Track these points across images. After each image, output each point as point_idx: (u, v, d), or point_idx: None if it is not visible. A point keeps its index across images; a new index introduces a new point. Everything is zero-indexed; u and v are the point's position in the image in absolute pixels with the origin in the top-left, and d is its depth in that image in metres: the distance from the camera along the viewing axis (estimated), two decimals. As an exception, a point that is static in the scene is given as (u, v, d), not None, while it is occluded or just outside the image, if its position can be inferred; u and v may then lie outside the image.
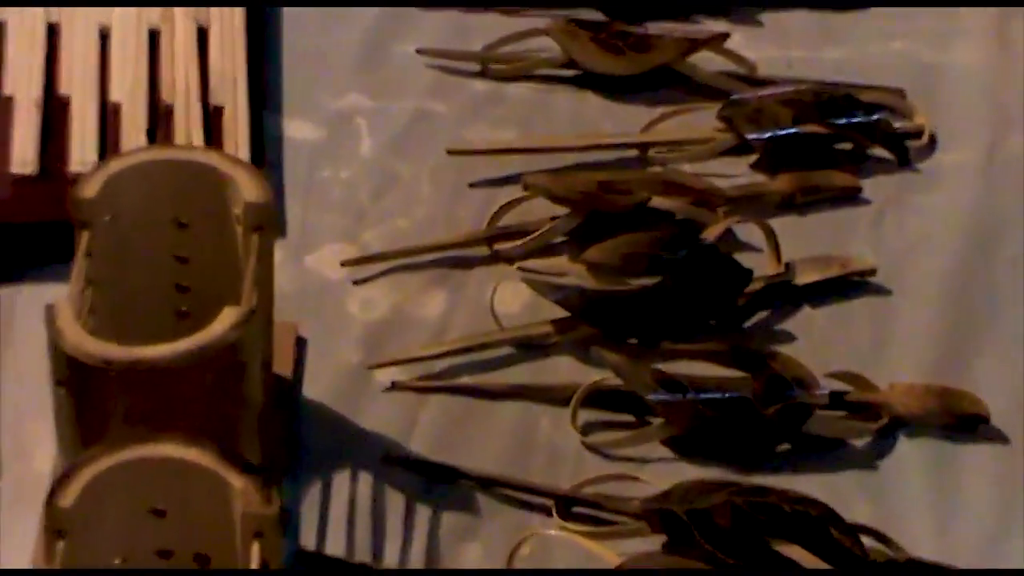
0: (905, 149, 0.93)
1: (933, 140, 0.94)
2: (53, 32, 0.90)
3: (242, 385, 0.69)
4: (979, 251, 0.89)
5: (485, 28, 0.97)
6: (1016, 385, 0.82)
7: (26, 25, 0.90)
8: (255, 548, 0.60)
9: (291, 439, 0.77)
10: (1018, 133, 0.95)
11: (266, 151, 0.89)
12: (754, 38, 0.99)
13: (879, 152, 0.93)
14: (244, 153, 0.86)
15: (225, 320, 0.67)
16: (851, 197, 0.91)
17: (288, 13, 0.97)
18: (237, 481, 0.62)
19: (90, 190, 0.71)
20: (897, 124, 0.94)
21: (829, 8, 1.01)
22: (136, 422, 0.66)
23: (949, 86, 0.97)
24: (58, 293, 0.69)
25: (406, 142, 0.92)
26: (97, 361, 0.65)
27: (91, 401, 0.66)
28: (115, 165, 0.72)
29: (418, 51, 0.96)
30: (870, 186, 0.91)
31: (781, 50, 0.99)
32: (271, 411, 0.73)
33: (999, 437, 0.80)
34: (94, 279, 0.71)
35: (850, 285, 0.86)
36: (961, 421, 0.80)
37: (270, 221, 0.72)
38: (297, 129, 0.91)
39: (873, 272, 0.87)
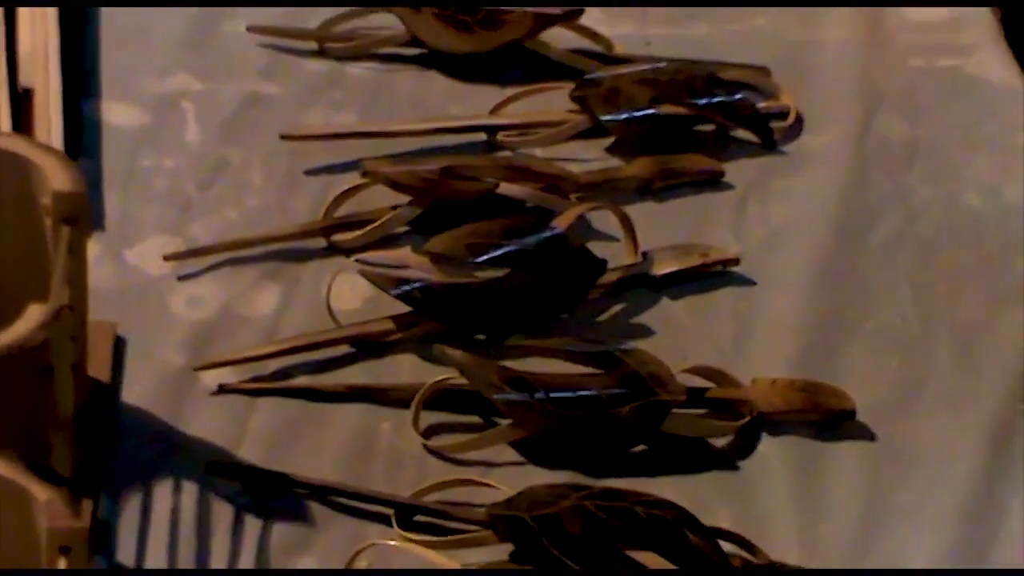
0: (770, 131, 0.95)
1: (799, 121, 0.96)
2: None
3: (50, 389, 0.69)
4: (847, 238, 0.91)
5: (322, 4, 0.98)
6: (883, 378, 0.84)
7: None
8: (61, 564, 0.60)
9: (107, 448, 0.77)
10: (888, 113, 0.97)
11: (83, 137, 0.89)
12: (611, 14, 1.01)
13: (742, 134, 0.95)
14: (57, 139, 0.86)
15: (30, 319, 0.66)
16: (713, 182, 0.93)
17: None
18: (42, 493, 0.62)
19: None
20: (761, 104, 0.96)
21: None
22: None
23: (817, 64, 1.00)
24: None
25: (236, 127, 0.92)
26: None
27: None
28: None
29: (249, 29, 0.97)
30: (733, 170, 0.93)
31: (639, 27, 1.01)
32: (85, 417, 0.73)
33: (865, 433, 0.82)
34: None
35: (711, 275, 0.88)
36: (827, 417, 0.82)
37: (82, 212, 0.71)
38: (117, 114, 0.91)
39: (736, 261, 0.88)
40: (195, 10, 0.97)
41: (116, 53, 0.94)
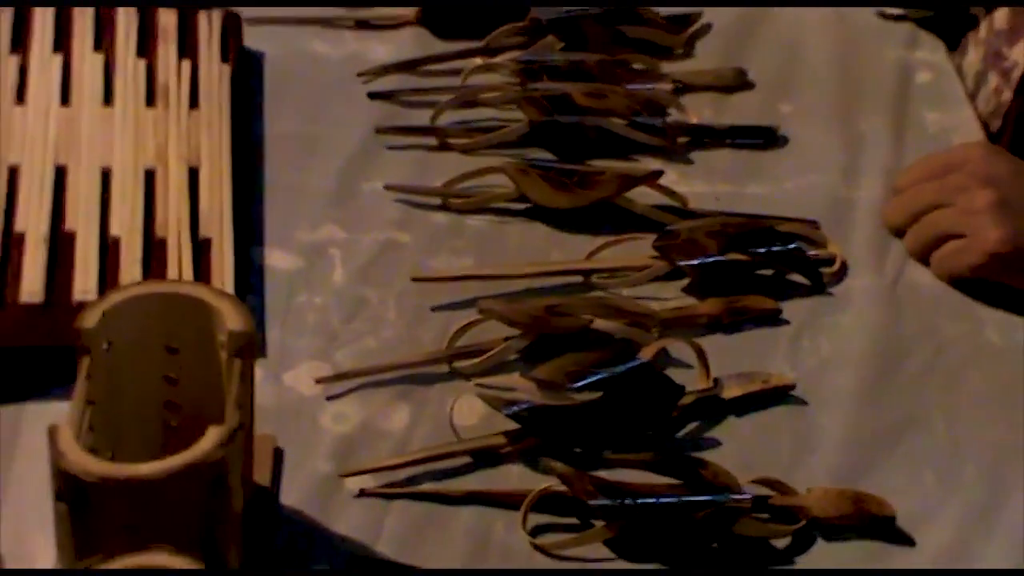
0: (819, 275, 0.94)
1: (844, 267, 0.95)
2: (61, 173, 0.91)
3: (225, 496, 0.69)
4: (885, 367, 0.90)
5: (446, 166, 0.98)
6: (918, 490, 0.83)
7: (36, 168, 0.91)
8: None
9: (269, 543, 0.77)
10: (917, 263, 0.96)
11: (250, 279, 0.90)
12: (685, 175, 1.01)
13: (796, 278, 0.94)
14: (229, 282, 0.87)
15: (209, 439, 0.67)
16: (772, 319, 0.92)
17: (270, 152, 0.98)
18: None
19: (90, 321, 0.71)
20: (811, 252, 0.95)
21: (751, 148, 1.03)
22: (130, 532, 0.67)
23: (858, 217, 0.99)
24: (59, 411, 0.70)
25: (374, 270, 0.92)
26: (95, 479, 0.65)
27: (89, 514, 0.67)
28: (112, 298, 0.73)
29: (386, 187, 0.97)
30: (788, 308, 0.92)
31: (709, 186, 1.00)
32: (250, 517, 0.74)
33: (903, 538, 0.81)
34: (93, 399, 0.71)
35: (771, 398, 0.87)
36: (871, 523, 0.81)
37: (251, 347, 0.72)
38: (277, 259, 0.92)
39: (792, 386, 0.88)
40: (341, 171, 0.98)
41: (278, 208, 0.95)
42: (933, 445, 0.86)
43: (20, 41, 0.98)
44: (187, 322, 0.74)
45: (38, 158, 0.91)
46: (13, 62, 0.97)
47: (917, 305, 0.94)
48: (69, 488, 0.66)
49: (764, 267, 0.94)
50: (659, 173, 0.97)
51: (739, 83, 1.08)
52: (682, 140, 1.03)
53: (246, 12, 1.05)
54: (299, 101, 1.02)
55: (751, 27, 1.12)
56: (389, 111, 1.03)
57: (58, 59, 0.98)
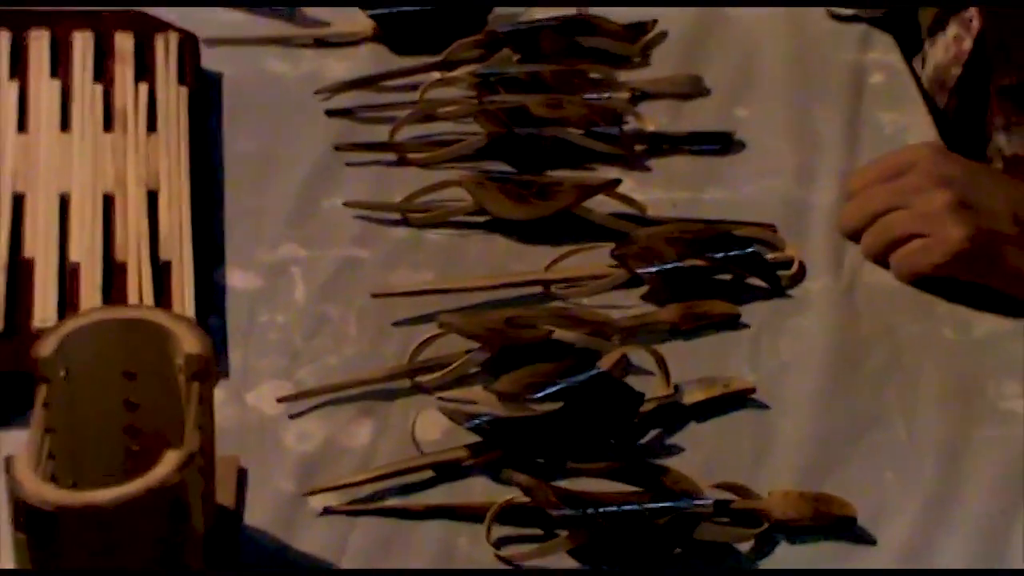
0: (777, 278, 0.94)
1: (802, 269, 0.95)
2: (19, 201, 0.91)
3: (186, 519, 0.69)
4: (845, 368, 0.90)
5: (405, 181, 0.98)
6: (879, 489, 0.83)
7: (-7, 195, 0.91)
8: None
9: (233, 564, 0.77)
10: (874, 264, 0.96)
11: (212, 299, 0.89)
12: (643, 183, 1.01)
13: (754, 281, 0.94)
14: (190, 304, 0.87)
15: (167, 463, 0.67)
16: (731, 323, 0.92)
17: (229, 172, 0.98)
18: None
19: (46, 349, 0.71)
20: (769, 256, 0.95)
21: (708, 155, 1.03)
22: (91, 558, 0.66)
23: (815, 220, 0.99)
24: (19, 439, 0.69)
25: (335, 287, 0.92)
26: (52, 507, 0.65)
27: (49, 542, 0.66)
28: (68, 325, 0.72)
29: (345, 204, 0.97)
30: (747, 312, 0.93)
31: (667, 193, 1.00)
32: (214, 538, 0.73)
33: (865, 537, 0.81)
34: (52, 427, 0.71)
35: (732, 402, 0.87)
36: (833, 523, 0.81)
37: (208, 370, 0.72)
38: (238, 279, 0.91)
39: (752, 390, 0.88)
40: (300, 189, 0.97)
41: (238, 228, 0.95)
42: (893, 444, 0.86)
43: (-24, 70, 0.98)
44: (145, 347, 0.73)
45: (-7, 186, 0.91)
46: (-31, 91, 0.97)
47: (874, 305, 0.94)
48: (28, 517, 0.66)
49: (722, 272, 0.94)
50: (617, 182, 0.97)
51: (695, 90, 1.08)
52: (639, 148, 1.03)
53: (203, 33, 1.05)
54: (257, 120, 1.02)
55: (706, 33, 1.12)
56: (347, 128, 1.02)
57: (14, 86, 0.97)
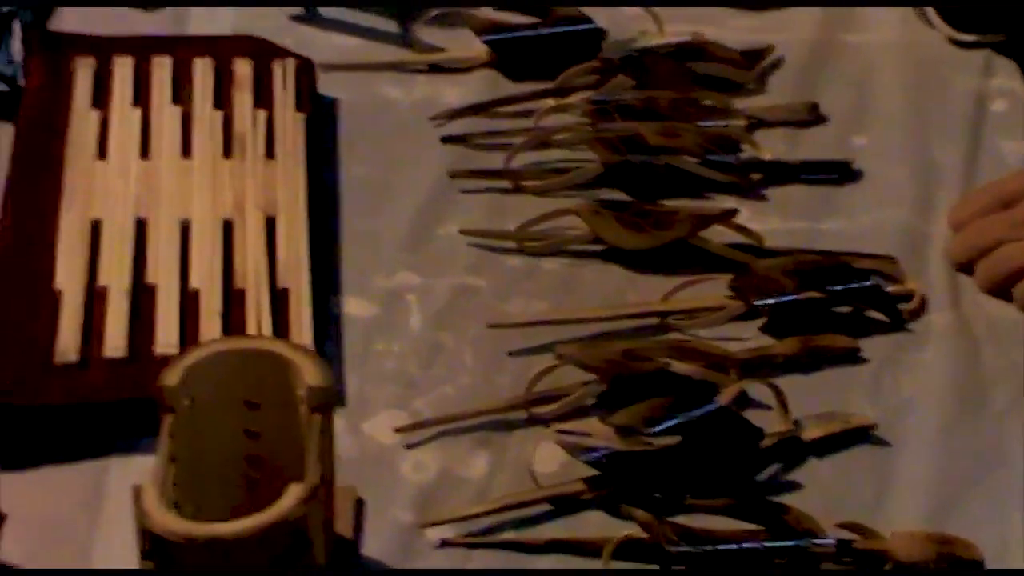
0: (898, 312, 0.93)
1: (923, 302, 0.94)
2: (141, 226, 0.92)
3: (307, 551, 0.69)
4: (968, 405, 0.88)
5: (520, 208, 0.98)
6: (1004, 530, 0.81)
7: (117, 221, 0.91)
8: None
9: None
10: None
11: (328, 327, 0.90)
12: (760, 212, 0.99)
13: (874, 315, 0.93)
14: (307, 332, 0.87)
15: (291, 496, 0.67)
16: (850, 357, 0.91)
17: (345, 198, 0.99)
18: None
19: (172, 379, 0.72)
20: (889, 288, 0.94)
21: (826, 184, 1.02)
22: (213, 588, 0.67)
23: (936, 251, 0.97)
24: (143, 465, 0.70)
25: (450, 315, 0.92)
26: (179, 538, 0.65)
27: (173, 570, 0.67)
28: (193, 355, 0.73)
29: (461, 231, 0.97)
30: (867, 346, 0.91)
31: (784, 223, 0.99)
32: (334, 570, 0.73)
33: (991, 581, 0.79)
34: (176, 456, 0.71)
35: (852, 439, 0.86)
36: (958, 566, 0.79)
37: (330, 402, 0.72)
38: (354, 307, 0.92)
39: (873, 426, 0.86)
40: (416, 216, 0.98)
41: (353, 255, 0.95)
42: (1019, 483, 0.84)
43: (101, 96, 0.99)
44: (267, 377, 0.74)
45: (119, 212, 0.92)
46: (94, 117, 0.98)
47: (998, 340, 0.92)
48: (155, 547, 0.66)
49: (841, 304, 0.93)
50: (733, 212, 0.96)
51: (812, 117, 1.06)
52: (756, 177, 1.02)
53: (319, 58, 1.06)
54: (373, 146, 1.02)
55: (823, 60, 1.11)
56: (462, 154, 1.02)
57: (137, 113, 0.98)
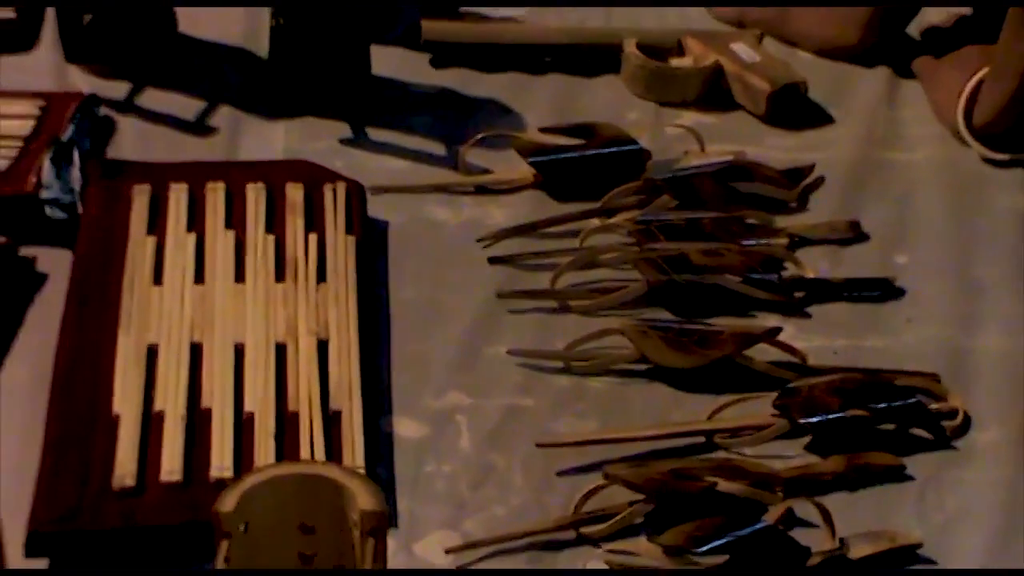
0: (942, 429, 0.94)
1: (967, 420, 0.95)
2: (196, 351, 0.94)
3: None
4: (1014, 524, 0.89)
5: (567, 328, 1.00)
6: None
7: (173, 346, 0.94)
8: None
9: None
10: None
11: (379, 448, 0.91)
12: (804, 330, 1.01)
13: (919, 432, 0.94)
14: (359, 454, 0.89)
15: (346, 621, 0.69)
16: (895, 475, 0.92)
17: (395, 319, 1.01)
18: None
19: (228, 504, 0.74)
20: (933, 406, 0.95)
21: (869, 301, 1.03)
22: None
23: (980, 369, 0.98)
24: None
25: (500, 436, 0.93)
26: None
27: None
28: (248, 480, 0.75)
29: (508, 352, 0.99)
30: (912, 464, 0.92)
31: (828, 340, 1.01)
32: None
33: None
34: (232, 580, 0.73)
35: (899, 557, 0.87)
36: None
37: (383, 526, 0.74)
38: (405, 427, 0.94)
39: (919, 545, 0.87)
40: (464, 336, 1.00)
41: (404, 376, 0.97)
42: (1067, 604, 0.85)
43: (157, 222, 1.03)
44: (321, 501, 0.76)
45: (175, 337, 0.95)
46: (150, 243, 1.01)
47: (1046, 459, 0.93)
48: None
49: (885, 422, 0.94)
50: (777, 330, 0.98)
51: (853, 235, 1.09)
52: (799, 295, 1.04)
53: (368, 180, 1.09)
54: (421, 267, 1.05)
55: (863, 178, 1.14)
56: (509, 274, 1.05)
57: (192, 238, 1.02)
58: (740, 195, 1.10)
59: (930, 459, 0.93)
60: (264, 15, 1.17)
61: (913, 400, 0.94)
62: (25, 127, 1.08)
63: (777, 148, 1.16)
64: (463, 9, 1.27)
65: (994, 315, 1.02)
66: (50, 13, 1.20)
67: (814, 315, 1.03)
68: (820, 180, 1.13)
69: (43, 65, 1.18)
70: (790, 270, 1.05)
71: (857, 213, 1.10)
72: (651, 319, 1.00)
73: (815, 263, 1.06)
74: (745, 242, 1.05)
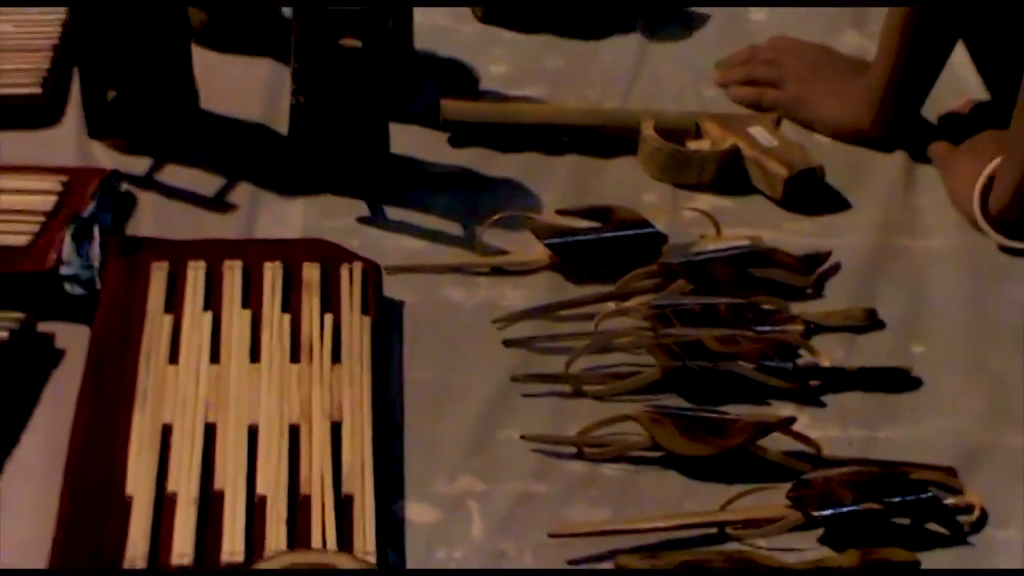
0: (958, 525, 0.93)
1: (984, 515, 0.94)
2: (210, 431, 0.94)
3: None
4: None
5: (581, 413, 1.00)
6: None
7: (187, 426, 0.94)
8: None
9: None
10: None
11: (391, 534, 0.91)
12: (818, 419, 1.01)
13: (934, 527, 0.93)
14: (371, 539, 0.88)
15: None
16: (910, 571, 0.91)
17: (408, 401, 1.01)
18: None
19: (238, 595, 0.73)
20: (949, 501, 0.94)
21: (884, 391, 1.03)
22: None
23: (998, 464, 0.98)
24: None
25: (512, 522, 0.93)
26: None
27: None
28: (259, 567, 0.75)
29: (522, 437, 0.98)
30: (928, 560, 0.91)
31: (843, 430, 1.00)
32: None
33: None
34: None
35: (913, 655, 0.86)
36: None
37: (394, 619, 0.73)
38: (416, 512, 0.93)
39: (933, 642, 0.86)
40: (477, 419, 0.99)
41: (416, 459, 0.96)
42: None
43: (174, 300, 1.03)
44: (331, 592, 0.75)
45: (189, 416, 0.95)
46: (167, 321, 1.01)
47: (1067, 558, 0.92)
48: None
49: (900, 516, 0.93)
50: (791, 420, 0.97)
51: (869, 323, 1.08)
52: (814, 383, 1.03)
53: (385, 260, 1.09)
54: (436, 348, 1.05)
55: (880, 265, 1.13)
56: (524, 357, 1.05)
57: (208, 316, 1.01)
58: (756, 280, 1.10)
59: (946, 555, 0.92)
60: (285, 93, 1.18)
61: (929, 494, 0.93)
62: (47, 203, 1.09)
63: (794, 233, 1.16)
64: (481, 89, 1.28)
65: (1012, 409, 1.01)
66: (75, 89, 1.21)
67: (829, 404, 1.02)
68: (836, 267, 1.12)
69: (67, 140, 1.19)
70: (805, 358, 1.04)
71: (873, 300, 1.10)
72: (665, 406, 0.99)
73: (831, 351, 1.05)
74: (760, 329, 1.05)
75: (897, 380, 1.03)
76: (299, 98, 1.15)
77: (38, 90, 1.21)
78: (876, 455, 0.98)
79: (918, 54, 1.19)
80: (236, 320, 1.02)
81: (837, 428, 1.00)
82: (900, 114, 1.23)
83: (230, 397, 0.96)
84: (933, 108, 1.25)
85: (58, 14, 1.27)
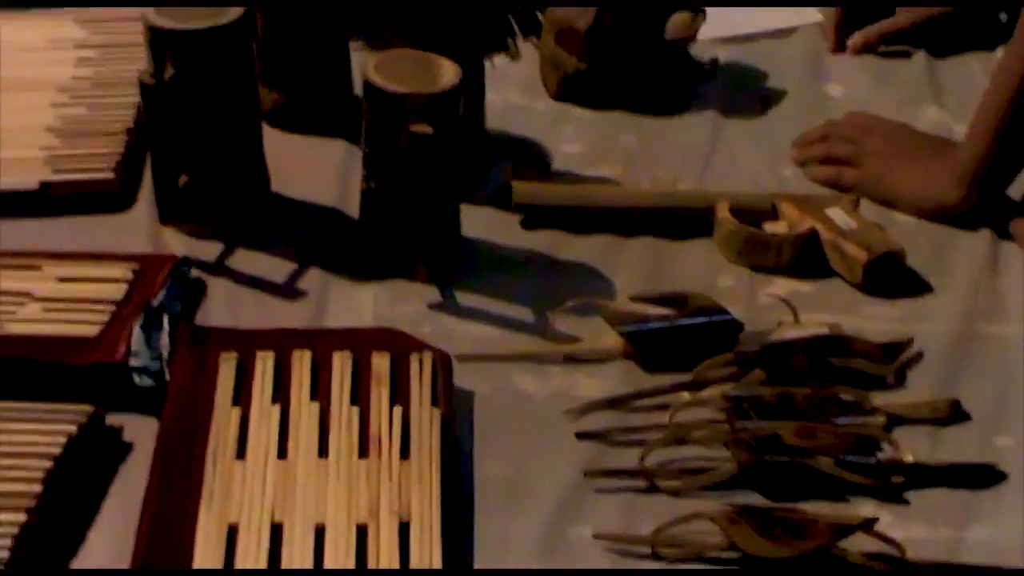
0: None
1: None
2: (277, 531, 0.92)
3: None
4: None
5: (655, 509, 0.96)
6: None
7: (254, 526, 0.92)
8: None
9: None
10: None
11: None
12: (902, 518, 0.96)
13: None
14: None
15: None
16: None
17: (479, 495, 0.98)
18: None
19: None
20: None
21: (972, 488, 0.99)
22: None
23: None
24: None
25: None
26: None
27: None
28: None
29: (595, 536, 0.95)
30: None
31: (929, 530, 0.96)
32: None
33: None
34: None
35: None
36: None
37: None
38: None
39: None
40: (549, 517, 0.96)
41: (486, 558, 0.93)
42: None
43: (242, 392, 1.01)
44: None
45: (255, 516, 0.92)
46: (235, 415, 0.99)
47: None
48: None
49: (990, 626, 0.89)
50: (873, 521, 0.94)
51: (953, 415, 1.04)
52: (897, 479, 0.99)
53: (455, 348, 1.06)
54: (507, 441, 1.02)
55: (963, 353, 1.09)
56: (597, 450, 1.01)
57: (276, 410, 0.99)
58: (835, 370, 1.06)
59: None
60: (357, 174, 1.16)
61: (1023, 598, 0.90)
62: (118, 291, 1.08)
63: (873, 319, 1.12)
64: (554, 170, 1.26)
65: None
66: (147, 174, 1.20)
67: (913, 501, 0.98)
68: (919, 355, 1.08)
69: (138, 225, 1.18)
70: (887, 452, 1.00)
71: (957, 391, 1.05)
72: (742, 505, 0.95)
73: (913, 444, 1.01)
74: (840, 421, 1.01)
75: (984, 475, 0.99)
76: (370, 183, 1.13)
77: (111, 175, 1.20)
78: (964, 557, 0.93)
79: (1015, 133, 1.16)
80: (304, 413, 0.99)
81: (923, 527, 0.96)
82: (989, 192, 1.19)
83: (297, 495, 0.94)
84: (1017, 183, 1.21)
85: (131, 96, 1.26)
